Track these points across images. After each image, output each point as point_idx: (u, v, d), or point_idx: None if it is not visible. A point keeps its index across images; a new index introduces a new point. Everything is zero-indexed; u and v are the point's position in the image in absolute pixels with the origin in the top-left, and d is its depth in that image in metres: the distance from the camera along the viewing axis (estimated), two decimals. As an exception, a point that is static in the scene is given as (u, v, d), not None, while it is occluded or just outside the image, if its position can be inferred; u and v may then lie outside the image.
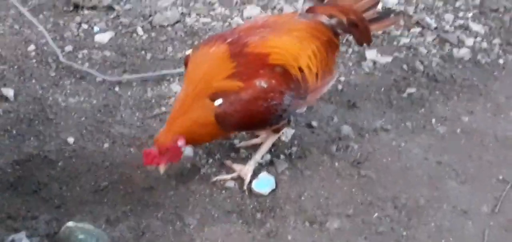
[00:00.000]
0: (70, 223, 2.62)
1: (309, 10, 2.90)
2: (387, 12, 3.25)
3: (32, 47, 3.61)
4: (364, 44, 3.01)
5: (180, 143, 2.69)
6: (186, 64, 2.82)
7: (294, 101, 2.81)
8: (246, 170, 2.91)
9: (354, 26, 2.90)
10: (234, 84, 2.68)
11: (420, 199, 2.92)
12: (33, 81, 3.40)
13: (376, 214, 2.85)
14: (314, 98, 2.97)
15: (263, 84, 2.69)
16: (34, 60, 3.54)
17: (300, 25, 2.86)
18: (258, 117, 2.74)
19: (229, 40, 2.76)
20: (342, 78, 3.59)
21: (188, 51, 2.92)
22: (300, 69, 2.78)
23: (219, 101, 2.67)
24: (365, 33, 2.93)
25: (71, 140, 3.09)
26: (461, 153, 3.16)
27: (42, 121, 3.17)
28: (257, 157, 2.94)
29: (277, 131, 2.93)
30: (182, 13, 3.96)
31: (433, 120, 3.35)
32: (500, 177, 3.04)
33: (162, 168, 2.73)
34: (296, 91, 2.79)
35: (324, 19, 2.88)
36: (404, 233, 2.78)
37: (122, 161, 3.00)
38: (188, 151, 2.94)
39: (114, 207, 2.80)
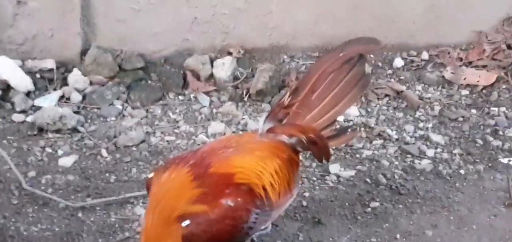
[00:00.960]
0: None
1: (269, 130, 2.95)
2: (344, 129, 3.34)
3: (-5, 173, 3.60)
4: (324, 160, 3.06)
5: None
6: (148, 188, 2.82)
7: (259, 218, 2.82)
8: None
9: (313, 144, 2.96)
10: (200, 207, 2.69)
11: None
12: (-5, 210, 3.38)
13: None
14: (277, 214, 3.00)
15: (230, 203, 2.71)
16: (-4, 188, 3.52)
17: (262, 144, 2.91)
18: (226, 237, 2.73)
19: (191, 162, 2.79)
20: (307, 194, 3.62)
21: (150, 174, 2.92)
22: (264, 188, 2.81)
23: (186, 222, 2.67)
24: (324, 150, 2.99)
25: (33, 270, 3.05)
26: (426, 269, 3.18)
27: (3, 252, 3.13)
28: None
29: None
30: (146, 132, 3.99)
31: (398, 235, 3.37)
32: None
33: None
34: (261, 208, 2.81)
35: (284, 138, 2.93)
36: None
37: (85, 291, 2.96)
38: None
39: None
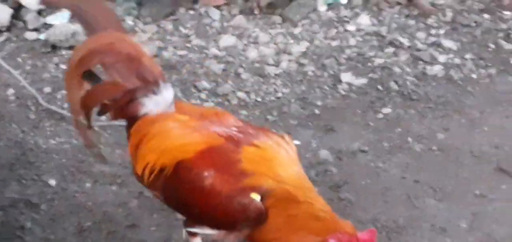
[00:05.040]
0: (54, 266, 2.65)
1: None
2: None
3: (11, 91, 3.64)
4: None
5: None
6: None
7: None
8: None
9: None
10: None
11: (399, 219, 2.97)
12: (13, 125, 3.43)
13: (356, 237, 2.89)
14: None
15: None
16: (13, 104, 3.57)
17: None
18: None
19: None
20: (319, 102, 3.65)
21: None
22: None
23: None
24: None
25: (53, 182, 3.12)
26: (438, 170, 3.22)
27: (23, 165, 3.20)
28: None
29: None
30: (158, 47, 4.01)
31: (410, 139, 3.41)
32: (477, 192, 3.10)
33: None
34: None
35: None
36: (385, 254, 2.83)
37: (104, 200, 3.03)
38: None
39: (98, 247, 2.84)
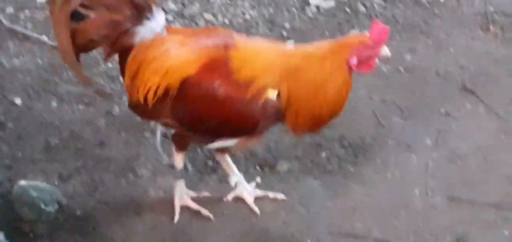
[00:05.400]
0: (22, 182, 2.63)
1: None
2: None
3: (-28, 10, 3.57)
4: None
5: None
6: None
7: None
8: (241, 191, 2.70)
9: None
10: None
11: (366, 136, 3.01)
12: (-24, 45, 3.37)
13: (324, 154, 2.93)
14: None
15: None
16: (-25, 24, 3.50)
17: None
18: None
19: None
20: (287, 25, 3.64)
21: None
22: None
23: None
24: None
25: (18, 100, 3.08)
26: (404, 90, 3.26)
27: (-13, 84, 3.16)
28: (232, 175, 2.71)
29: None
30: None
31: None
32: (442, 111, 3.14)
33: None
34: None
35: None
36: (352, 170, 2.87)
37: (71, 119, 3.01)
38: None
39: (66, 164, 2.82)
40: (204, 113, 2.33)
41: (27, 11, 3.57)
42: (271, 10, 3.75)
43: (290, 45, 2.61)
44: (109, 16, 2.33)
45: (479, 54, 3.48)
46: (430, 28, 3.64)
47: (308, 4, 3.80)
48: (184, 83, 2.31)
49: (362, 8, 3.75)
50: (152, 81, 2.33)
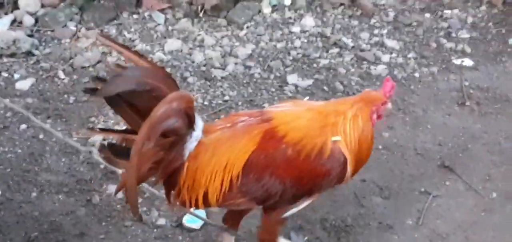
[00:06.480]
0: (1, 280, 2.60)
1: None
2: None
3: (-49, 100, 3.55)
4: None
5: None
6: None
7: None
8: None
9: None
10: None
11: (347, 218, 3.01)
12: (-46, 135, 3.35)
13: (306, 238, 2.92)
14: None
15: None
16: (-46, 114, 3.49)
17: None
18: None
19: None
20: (266, 105, 3.67)
21: None
22: None
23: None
24: None
25: (-3, 192, 3.06)
26: (384, 169, 3.28)
27: (-34, 176, 3.13)
28: None
29: None
30: (102, 52, 3.96)
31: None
32: (422, 189, 3.16)
33: None
34: None
35: None
36: (334, 254, 2.87)
37: (51, 209, 2.98)
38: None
39: (46, 257, 2.79)
40: (278, 179, 2.39)
41: (7, 100, 3.57)
42: (250, 90, 3.78)
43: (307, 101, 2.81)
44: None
45: (456, 130, 3.52)
46: (407, 104, 3.69)
47: (286, 83, 3.84)
48: (250, 163, 2.36)
49: (339, 86, 3.79)
50: (218, 178, 2.36)
